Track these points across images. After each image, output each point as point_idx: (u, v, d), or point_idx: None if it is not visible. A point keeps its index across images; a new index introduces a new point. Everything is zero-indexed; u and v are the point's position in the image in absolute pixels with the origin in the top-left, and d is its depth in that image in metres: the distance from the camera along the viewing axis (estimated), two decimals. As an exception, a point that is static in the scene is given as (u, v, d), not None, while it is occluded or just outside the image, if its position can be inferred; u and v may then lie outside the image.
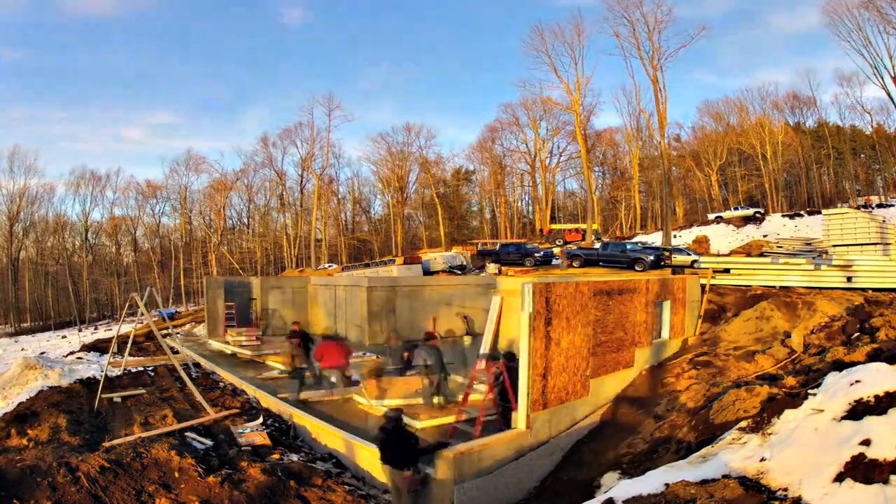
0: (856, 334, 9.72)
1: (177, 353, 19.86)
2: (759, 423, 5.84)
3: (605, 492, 6.19)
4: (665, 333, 12.17)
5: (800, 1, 59.38)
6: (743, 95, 64.77)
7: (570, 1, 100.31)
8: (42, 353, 23.91)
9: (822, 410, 5.10)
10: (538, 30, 48.09)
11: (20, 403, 11.54)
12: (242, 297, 23.72)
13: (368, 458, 8.89)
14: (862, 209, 34.09)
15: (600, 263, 26.19)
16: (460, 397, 9.85)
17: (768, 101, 63.18)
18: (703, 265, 17.41)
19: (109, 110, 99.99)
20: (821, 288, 14.23)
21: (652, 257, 23.76)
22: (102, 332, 41.81)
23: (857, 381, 5.03)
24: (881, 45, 41.56)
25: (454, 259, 33.91)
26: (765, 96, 63.31)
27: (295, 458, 9.50)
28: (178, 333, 24.55)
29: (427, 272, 31.75)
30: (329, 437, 9.92)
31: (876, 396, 4.79)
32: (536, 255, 31.47)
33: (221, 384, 14.84)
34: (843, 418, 4.89)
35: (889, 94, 42.98)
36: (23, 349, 32.66)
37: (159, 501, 7.37)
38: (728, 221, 44.81)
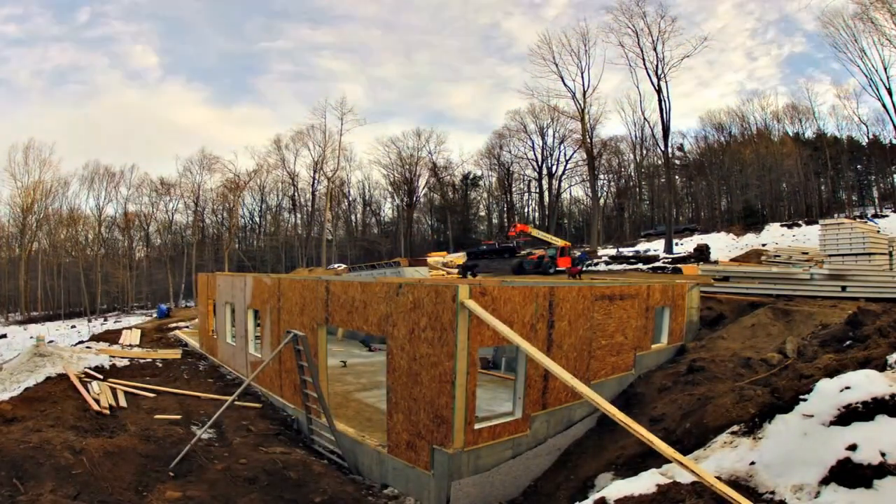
0: (848, 342, 9.80)
1: (186, 345, 20.12)
2: (752, 427, 5.91)
3: (598, 492, 6.26)
4: (664, 339, 12.27)
5: (799, 12, 59.69)
6: (744, 106, 65.08)
7: (577, 10, 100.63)
8: (51, 341, 24.22)
9: (811, 415, 5.17)
10: (545, 39, 48.67)
11: (27, 388, 11.74)
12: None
13: (370, 453, 9.03)
14: (858, 219, 34.19)
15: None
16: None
17: (768, 111, 63.58)
18: (703, 273, 17.55)
19: (126, 107, 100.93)
20: (815, 297, 14.38)
21: None
22: (112, 324, 42.26)
23: (846, 388, 5.08)
24: (876, 57, 41.60)
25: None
26: (764, 107, 63.64)
27: (297, 450, 9.66)
28: (186, 326, 24.79)
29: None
30: (331, 431, 10.05)
31: (864, 402, 4.85)
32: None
33: (228, 377, 15.05)
34: (832, 423, 4.96)
35: (884, 106, 42.96)
36: (31, 336, 33.07)
37: (161, 486, 7.53)
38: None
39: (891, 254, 18.27)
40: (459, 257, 45.70)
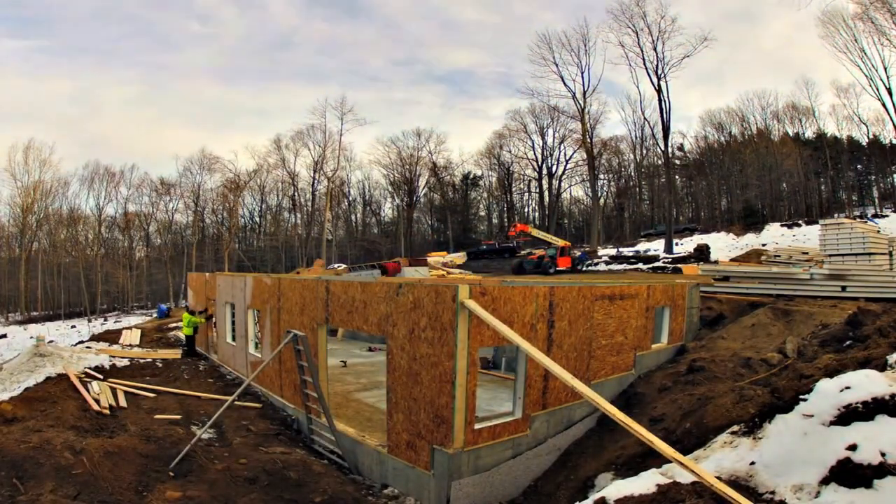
0: (848, 342, 9.82)
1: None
2: (752, 427, 5.91)
3: (598, 491, 6.26)
4: (664, 339, 12.29)
5: (799, 11, 60.24)
6: (743, 105, 65.16)
7: (577, 9, 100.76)
8: (51, 341, 24.21)
9: (811, 415, 5.17)
10: (545, 38, 48.75)
11: (27, 388, 11.74)
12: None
13: (370, 453, 9.03)
14: (858, 219, 34.33)
15: None
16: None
17: (768, 111, 63.66)
18: (703, 273, 17.61)
19: (125, 108, 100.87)
20: (815, 297, 14.43)
21: None
22: (112, 324, 42.26)
23: (846, 388, 5.09)
24: (876, 56, 41.66)
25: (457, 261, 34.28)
26: (765, 107, 63.74)
27: (297, 450, 9.66)
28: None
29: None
30: (332, 431, 10.05)
31: (864, 402, 4.85)
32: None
33: (228, 377, 15.05)
34: (832, 423, 4.96)
35: (884, 106, 42.99)
36: (31, 336, 33.08)
37: (161, 486, 7.53)
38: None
39: (891, 254, 18.32)
40: (459, 257, 45.76)
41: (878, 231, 20.06)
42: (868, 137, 60.07)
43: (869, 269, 16.18)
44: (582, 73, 48.68)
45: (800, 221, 46.70)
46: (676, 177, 65.14)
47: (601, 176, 68.63)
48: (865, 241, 17.41)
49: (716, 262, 27.20)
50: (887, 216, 43.95)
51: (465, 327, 7.46)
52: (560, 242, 33.84)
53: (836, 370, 6.47)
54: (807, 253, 20.86)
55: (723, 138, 67.32)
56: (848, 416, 4.89)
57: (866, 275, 15.31)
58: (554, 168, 68.66)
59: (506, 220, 73.18)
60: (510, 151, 72.46)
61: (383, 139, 72.60)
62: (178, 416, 10.75)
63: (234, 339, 15.31)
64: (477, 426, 7.93)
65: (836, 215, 49.18)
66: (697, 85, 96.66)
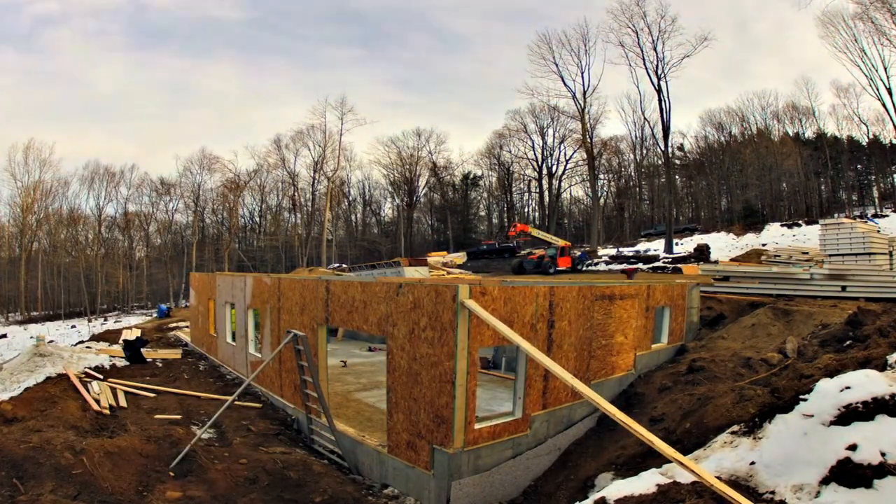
0: (848, 342, 9.83)
1: (186, 345, 20.12)
2: (752, 427, 5.91)
3: (598, 491, 6.26)
4: (664, 338, 12.30)
5: (798, 11, 60.15)
6: (744, 105, 65.27)
7: (577, 9, 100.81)
8: (51, 341, 24.21)
9: (812, 415, 5.17)
10: (545, 38, 48.92)
11: (28, 388, 11.74)
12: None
13: (370, 453, 9.03)
14: (858, 219, 34.41)
15: None
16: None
17: (768, 111, 63.80)
18: (703, 272, 17.64)
19: (126, 108, 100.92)
20: (815, 297, 14.45)
21: None
22: (112, 324, 42.27)
23: (846, 388, 5.09)
24: (876, 56, 41.74)
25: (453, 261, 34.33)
26: (765, 107, 63.86)
27: (297, 450, 9.66)
28: (186, 326, 24.78)
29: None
30: (332, 431, 10.05)
31: (864, 402, 4.86)
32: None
33: (228, 377, 15.04)
34: (832, 423, 4.96)
35: (884, 106, 43.07)
36: (31, 336, 33.10)
37: (161, 486, 7.53)
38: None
39: (891, 254, 18.34)
40: (459, 257, 45.80)
41: (878, 231, 20.08)
42: (868, 137, 60.28)
43: (869, 269, 16.19)
44: (582, 73, 48.88)
45: (800, 221, 46.81)
46: (676, 177, 65.29)
47: (601, 176, 68.81)
48: (865, 241, 17.43)
49: (716, 262, 27.24)
50: (887, 216, 44.07)
51: (465, 327, 7.45)
52: (560, 242, 33.86)
53: (836, 370, 6.47)
54: (807, 253, 20.89)
55: (723, 138, 67.51)
56: (848, 415, 4.89)
57: (866, 275, 15.33)
58: (554, 168, 68.80)
59: (506, 220, 73.22)
60: (510, 151, 72.69)
61: (383, 139, 72.68)
62: (178, 416, 10.75)
63: (234, 339, 15.31)
64: (477, 426, 7.92)
65: (836, 215, 49.27)
66: (698, 84, 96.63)
